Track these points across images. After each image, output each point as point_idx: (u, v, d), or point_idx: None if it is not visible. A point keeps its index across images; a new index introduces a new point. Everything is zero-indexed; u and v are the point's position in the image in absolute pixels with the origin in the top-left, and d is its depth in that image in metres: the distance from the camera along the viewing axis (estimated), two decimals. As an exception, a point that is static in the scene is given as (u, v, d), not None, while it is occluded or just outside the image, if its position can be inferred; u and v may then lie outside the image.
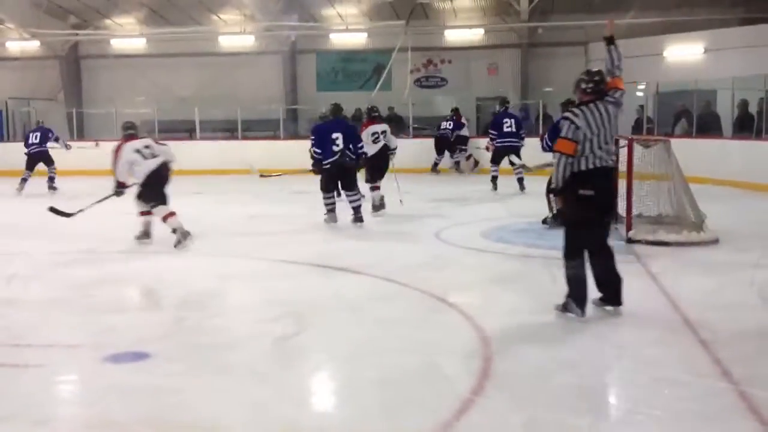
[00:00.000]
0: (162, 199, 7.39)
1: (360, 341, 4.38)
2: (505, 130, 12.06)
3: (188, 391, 3.60)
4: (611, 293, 4.70)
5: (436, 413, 3.26)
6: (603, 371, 3.97)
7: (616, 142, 7.89)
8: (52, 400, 3.66)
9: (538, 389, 3.57)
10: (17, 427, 3.23)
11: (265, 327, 4.66)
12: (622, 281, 4.69)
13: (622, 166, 7.62)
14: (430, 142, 16.04)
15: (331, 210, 8.76)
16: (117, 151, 7.41)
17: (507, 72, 19.44)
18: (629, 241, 7.08)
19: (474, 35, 19.52)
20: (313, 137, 9.14)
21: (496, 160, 12.35)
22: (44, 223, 7.88)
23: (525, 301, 5.17)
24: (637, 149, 7.48)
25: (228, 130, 18.38)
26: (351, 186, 8.72)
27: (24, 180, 12.83)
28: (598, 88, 4.63)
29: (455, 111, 15.89)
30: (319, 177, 8.78)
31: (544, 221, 8.08)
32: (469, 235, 7.88)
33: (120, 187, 7.50)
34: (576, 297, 4.60)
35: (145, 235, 7.60)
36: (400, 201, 9.99)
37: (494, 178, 12.27)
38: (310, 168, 8.93)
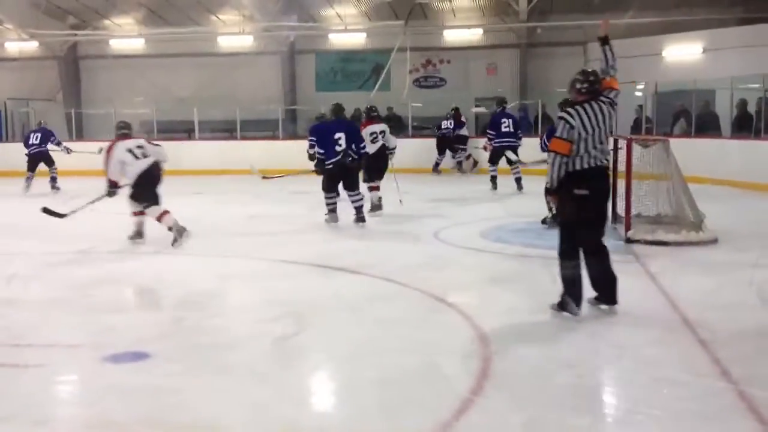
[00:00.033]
0: (154, 200, 7.38)
1: (360, 341, 4.38)
2: (503, 130, 12.06)
3: (188, 391, 3.60)
4: (606, 293, 4.71)
5: (436, 413, 3.27)
6: (602, 371, 3.97)
7: (615, 142, 7.93)
8: (52, 400, 3.66)
9: (537, 389, 3.58)
10: (17, 427, 3.24)
11: (265, 327, 4.66)
12: (617, 281, 4.71)
13: (621, 166, 7.65)
14: (429, 142, 16.01)
15: (332, 210, 8.76)
16: (109, 150, 7.40)
17: (506, 72, 19.43)
18: (628, 240, 7.09)
19: (473, 35, 19.51)
20: (312, 138, 9.15)
21: (494, 161, 12.34)
22: (44, 223, 7.87)
23: (524, 300, 5.17)
24: (636, 149, 7.49)
25: (227, 130, 18.38)
26: (353, 186, 8.72)
27: (29, 179, 12.92)
28: (592, 88, 4.65)
29: (455, 110, 15.85)
30: (320, 177, 8.76)
31: (544, 221, 8.08)
32: (468, 235, 7.89)
33: (112, 187, 7.48)
34: (571, 296, 4.62)
35: (138, 235, 7.60)
36: (400, 201, 10.00)
37: (493, 178, 12.29)
38: (313, 168, 8.93)
